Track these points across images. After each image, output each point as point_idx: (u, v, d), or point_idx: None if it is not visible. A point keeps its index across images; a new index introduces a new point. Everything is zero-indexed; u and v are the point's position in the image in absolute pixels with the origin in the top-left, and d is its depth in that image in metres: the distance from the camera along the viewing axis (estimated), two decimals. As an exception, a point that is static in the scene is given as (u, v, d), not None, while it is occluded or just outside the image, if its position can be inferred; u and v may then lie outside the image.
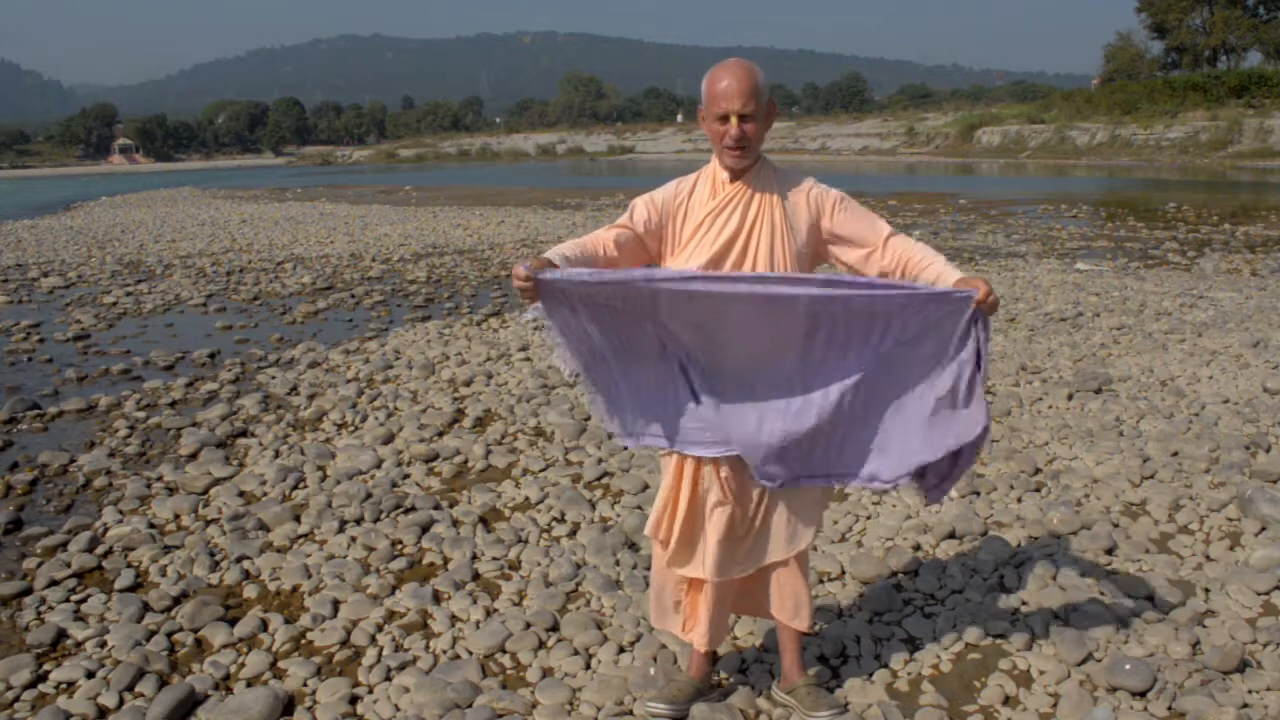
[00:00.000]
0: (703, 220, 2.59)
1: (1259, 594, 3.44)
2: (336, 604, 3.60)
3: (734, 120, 2.49)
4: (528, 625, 3.38)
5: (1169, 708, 2.81)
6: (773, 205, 2.58)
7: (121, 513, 4.57)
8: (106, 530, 4.35)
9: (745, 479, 2.63)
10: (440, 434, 5.63)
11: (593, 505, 4.49)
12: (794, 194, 2.61)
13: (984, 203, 23.17)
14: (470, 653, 3.26)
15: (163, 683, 3.12)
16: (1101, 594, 3.47)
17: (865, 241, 2.60)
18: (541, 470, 4.99)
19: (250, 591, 3.75)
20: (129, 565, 4.00)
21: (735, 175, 2.60)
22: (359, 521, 4.36)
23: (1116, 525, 4.10)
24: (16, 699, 3.06)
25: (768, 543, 2.72)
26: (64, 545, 4.21)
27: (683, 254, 2.61)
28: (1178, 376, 6.42)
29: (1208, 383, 6.24)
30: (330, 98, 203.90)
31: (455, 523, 4.32)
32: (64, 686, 3.12)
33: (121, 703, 3.01)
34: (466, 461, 5.17)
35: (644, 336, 2.50)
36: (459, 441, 5.43)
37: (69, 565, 3.96)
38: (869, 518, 4.29)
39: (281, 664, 3.21)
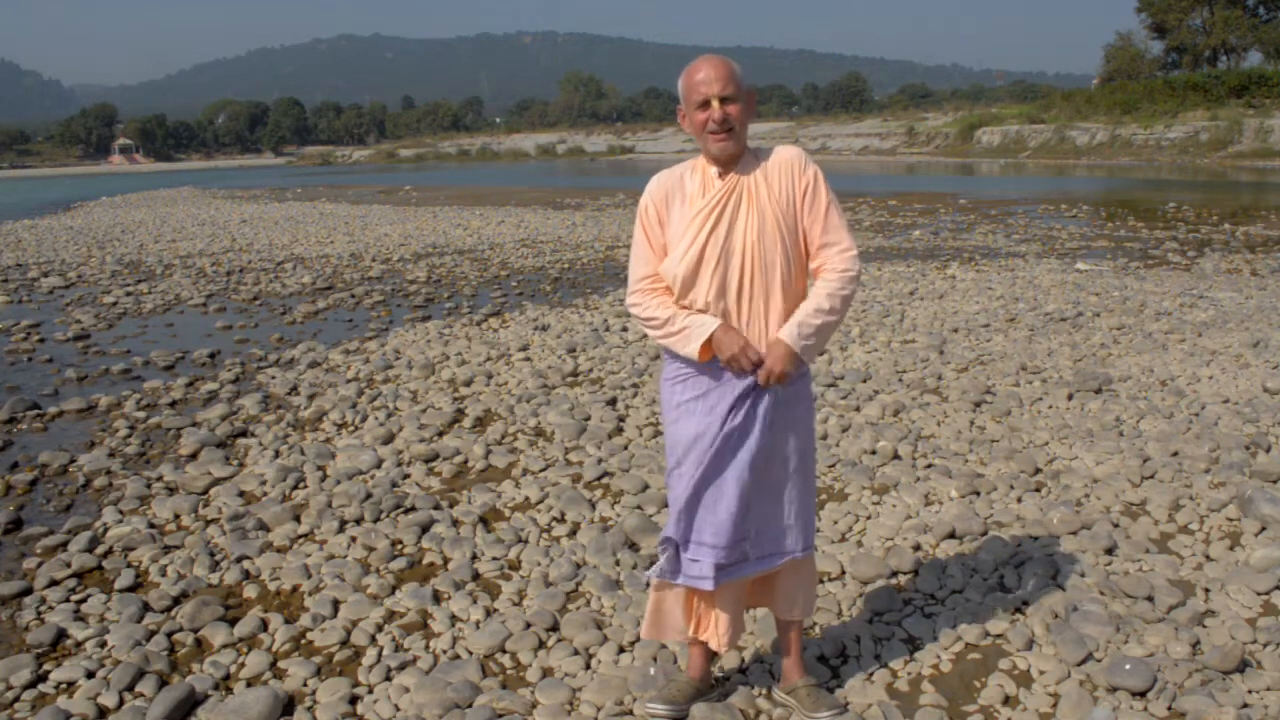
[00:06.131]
0: (693, 219, 2.55)
1: (1259, 594, 3.44)
2: (336, 604, 3.60)
3: (715, 104, 2.48)
4: (528, 625, 3.37)
5: (1169, 708, 2.80)
6: (763, 198, 2.55)
7: (121, 513, 4.57)
8: (106, 530, 4.35)
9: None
10: (440, 434, 5.63)
11: (593, 505, 4.49)
12: (781, 178, 2.58)
13: (984, 203, 23.17)
14: (470, 653, 3.26)
15: (163, 683, 3.12)
16: (1101, 594, 3.47)
17: (813, 238, 2.61)
18: (541, 470, 4.99)
19: (250, 591, 3.75)
20: (129, 565, 4.00)
21: (724, 169, 2.57)
22: (359, 521, 4.36)
23: (1116, 525, 4.10)
24: (16, 699, 3.06)
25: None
26: (64, 545, 4.21)
27: (674, 251, 2.58)
28: (1178, 376, 6.42)
29: (1208, 383, 6.24)
30: (330, 98, 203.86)
31: (455, 523, 4.32)
32: (64, 686, 3.12)
33: (121, 703, 3.01)
34: (466, 461, 5.17)
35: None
36: (459, 441, 5.43)
37: (69, 565, 3.96)
38: (869, 518, 4.29)
39: (281, 664, 3.21)
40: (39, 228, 21.91)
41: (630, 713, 2.88)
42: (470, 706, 2.93)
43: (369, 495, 4.62)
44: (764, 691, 2.95)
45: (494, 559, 3.96)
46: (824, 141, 75.16)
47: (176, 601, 3.66)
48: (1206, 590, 3.52)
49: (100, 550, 4.12)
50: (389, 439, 5.54)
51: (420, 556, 4.04)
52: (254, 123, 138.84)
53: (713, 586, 2.65)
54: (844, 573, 3.74)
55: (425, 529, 4.26)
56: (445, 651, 3.27)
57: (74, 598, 3.72)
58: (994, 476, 4.69)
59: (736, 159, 2.57)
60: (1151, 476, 4.62)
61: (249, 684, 3.12)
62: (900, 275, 11.31)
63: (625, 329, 8.46)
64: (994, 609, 3.38)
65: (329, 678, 3.12)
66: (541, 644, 3.28)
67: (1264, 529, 3.97)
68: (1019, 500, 4.42)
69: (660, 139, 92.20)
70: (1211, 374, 6.45)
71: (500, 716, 2.88)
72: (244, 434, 5.76)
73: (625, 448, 5.28)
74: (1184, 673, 2.93)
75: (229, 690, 3.09)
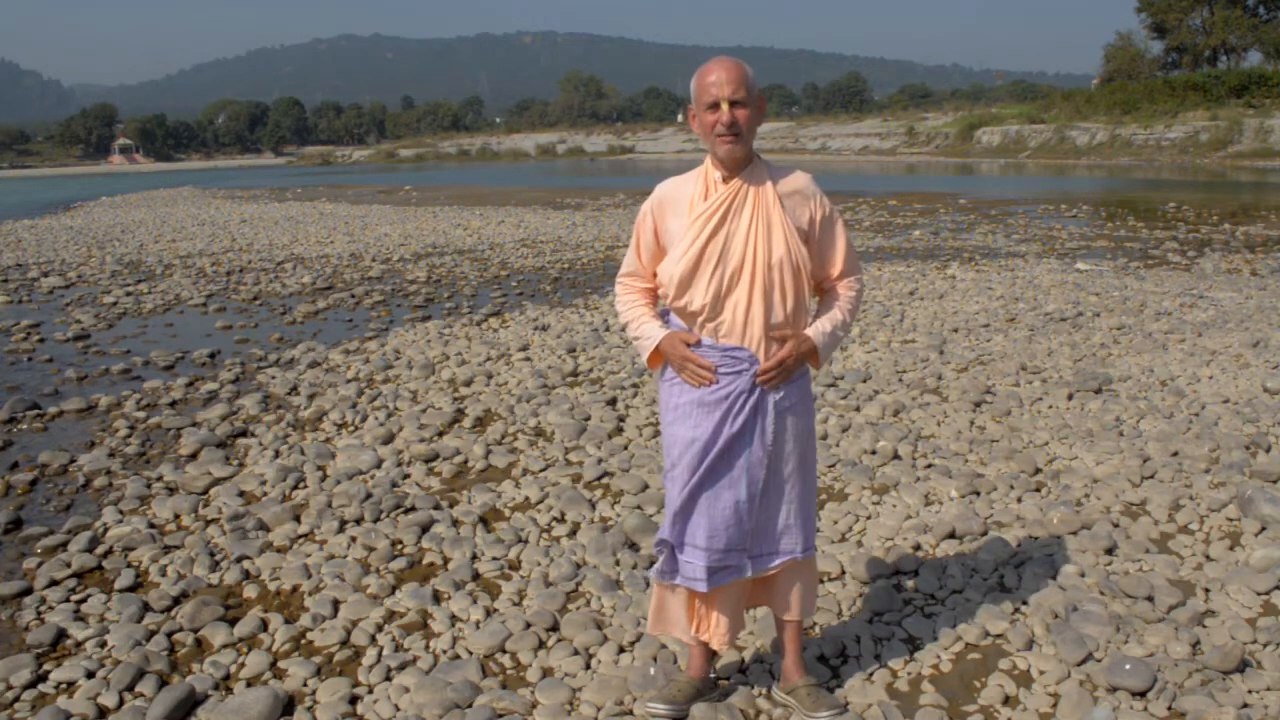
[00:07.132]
0: (693, 221, 2.54)
1: (1259, 594, 3.44)
2: (336, 604, 3.60)
3: (725, 106, 2.47)
4: (528, 625, 3.38)
5: (1169, 708, 2.80)
6: (768, 206, 2.55)
7: (121, 513, 4.57)
8: (106, 530, 4.35)
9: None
10: (440, 434, 5.63)
11: (593, 505, 4.49)
12: (792, 194, 2.59)
13: (984, 203, 23.17)
14: (470, 653, 3.26)
15: (163, 683, 3.12)
16: (1101, 594, 3.47)
17: (825, 266, 2.69)
18: (541, 470, 4.99)
19: (250, 591, 3.75)
20: (129, 565, 4.00)
21: (729, 174, 2.56)
22: (359, 521, 4.36)
23: (1116, 525, 4.10)
24: (16, 699, 3.06)
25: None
26: (64, 545, 4.21)
27: (673, 252, 2.58)
28: (1178, 376, 6.42)
29: (1208, 383, 6.24)
30: (330, 98, 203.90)
31: (455, 523, 4.32)
32: (64, 686, 3.12)
33: (121, 703, 3.01)
34: (466, 461, 5.17)
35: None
36: (459, 441, 5.43)
37: (69, 565, 3.96)
38: (869, 518, 4.29)
39: (281, 664, 3.21)
40: (39, 228, 21.90)
41: (630, 713, 2.88)
42: (470, 706, 2.93)
43: (369, 495, 4.62)
44: (764, 691, 2.95)
45: (494, 559, 3.96)
46: (824, 141, 75.13)
47: (176, 601, 3.66)
48: (1206, 590, 3.52)
49: (100, 550, 4.12)
50: (389, 439, 5.54)
51: (420, 556, 4.04)
52: (254, 123, 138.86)
53: (705, 589, 2.65)
54: (844, 573, 3.74)
55: (425, 529, 4.26)
56: (445, 651, 3.27)
57: (74, 598, 3.72)
58: (994, 476, 4.69)
59: (743, 163, 2.56)
60: (1151, 476, 4.62)
61: (249, 684, 3.12)
62: (900, 275, 11.31)
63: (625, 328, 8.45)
64: (994, 609, 3.38)
65: (329, 678, 3.12)
66: (541, 644, 3.28)
67: (1264, 529, 3.97)
68: (1019, 500, 4.42)
69: (660, 139, 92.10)
70: (1211, 374, 6.45)
71: (500, 716, 2.88)
72: (244, 434, 5.76)
73: (625, 448, 5.28)
74: (1184, 673, 2.93)
75: (229, 690, 3.09)
